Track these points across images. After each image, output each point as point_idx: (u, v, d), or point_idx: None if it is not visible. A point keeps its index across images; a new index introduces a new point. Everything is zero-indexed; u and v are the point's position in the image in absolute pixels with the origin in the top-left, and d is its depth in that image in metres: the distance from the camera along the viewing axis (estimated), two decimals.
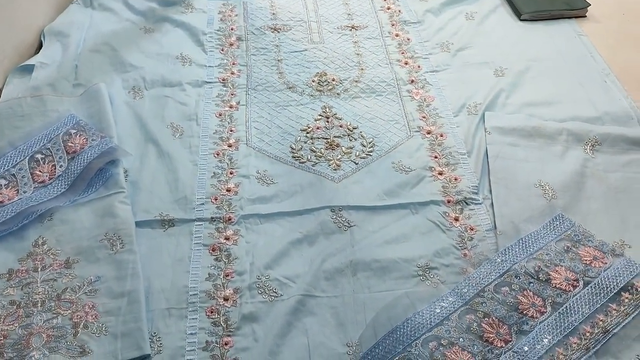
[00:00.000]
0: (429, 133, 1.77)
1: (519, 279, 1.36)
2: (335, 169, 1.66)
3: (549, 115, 1.80)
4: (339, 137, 1.76)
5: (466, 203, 1.56)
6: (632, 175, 1.62)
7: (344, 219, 1.51)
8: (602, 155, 1.68)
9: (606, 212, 1.53)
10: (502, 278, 1.36)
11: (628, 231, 1.48)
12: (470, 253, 1.45)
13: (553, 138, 1.72)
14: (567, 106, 1.84)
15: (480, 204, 1.57)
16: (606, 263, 1.38)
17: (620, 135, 1.71)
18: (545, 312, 1.30)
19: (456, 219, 1.52)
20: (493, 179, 1.61)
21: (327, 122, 1.81)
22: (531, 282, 1.35)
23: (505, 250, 1.42)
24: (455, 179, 1.62)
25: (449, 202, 1.57)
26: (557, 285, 1.34)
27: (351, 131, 1.78)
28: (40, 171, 1.55)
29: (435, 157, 1.69)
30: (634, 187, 1.59)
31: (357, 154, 1.71)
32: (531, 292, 1.33)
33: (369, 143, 1.74)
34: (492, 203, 1.56)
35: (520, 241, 1.44)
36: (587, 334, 1.26)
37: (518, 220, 1.50)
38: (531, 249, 1.42)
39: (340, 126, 1.80)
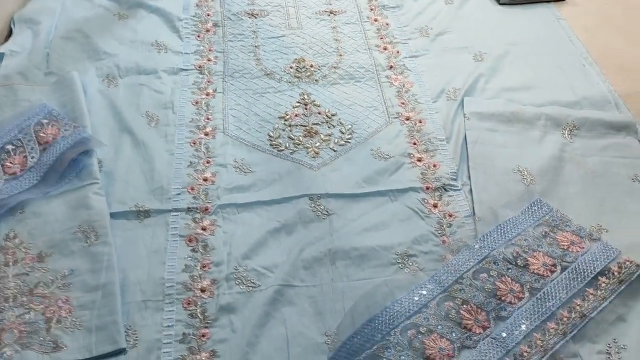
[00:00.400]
0: (407, 119, 1.76)
1: (497, 265, 1.36)
2: (313, 157, 1.64)
3: (528, 100, 1.80)
4: (317, 124, 1.74)
5: (445, 189, 1.56)
6: (610, 159, 1.63)
7: (322, 207, 1.50)
8: (580, 139, 1.68)
9: (584, 196, 1.54)
10: (480, 265, 1.36)
11: (605, 215, 1.49)
12: (449, 240, 1.45)
13: (531, 123, 1.71)
14: (546, 91, 1.84)
15: (459, 190, 1.56)
16: (583, 248, 1.39)
17: (598, 120, 1.71)
18: (523, 298, 1.30)
19: (435, 206, 1.52)
20: (472, 165, 1.61)
21: (306, 109, 1.79)
22: (509, 268, 1.35)
23: (483, 236, 1.42)
24: (434, 166, 1.62)
25: (427, 188, 1.56)
26: (535, 271, 1.34)
27: (330, 118, 1.76)
28: (11, 163, 1.51)
29: (414, 144, 1.68)
30: (612, 171, 1.60)
31: (336, 141, 1.69)
32: (509, 278, 1.33)
33: (348, 130, 1.72)
34: (470, 189, 1.55)
35: (499, 227, 1.44)
36: (565, 319, 1.26)
37: (496, 205, 1.50)
38: (509, 235, 1.42)
39: (319, 113, 1.78)
